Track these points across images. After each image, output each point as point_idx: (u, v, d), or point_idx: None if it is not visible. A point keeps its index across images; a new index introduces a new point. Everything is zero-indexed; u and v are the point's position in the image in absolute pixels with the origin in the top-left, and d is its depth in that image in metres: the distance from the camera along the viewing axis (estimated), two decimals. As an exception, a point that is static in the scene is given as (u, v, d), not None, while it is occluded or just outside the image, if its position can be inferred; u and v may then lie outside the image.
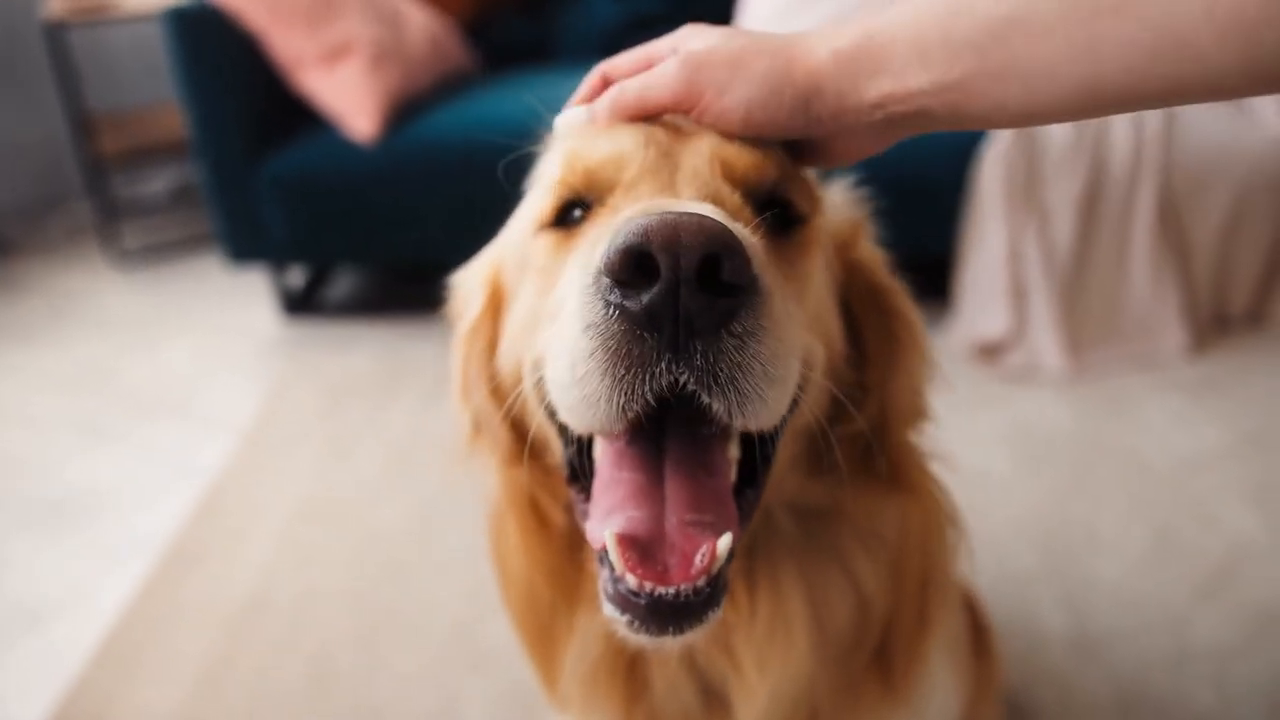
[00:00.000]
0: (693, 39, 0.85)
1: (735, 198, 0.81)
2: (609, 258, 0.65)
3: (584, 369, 0.67)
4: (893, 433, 0.95)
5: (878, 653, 0.98)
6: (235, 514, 2.38)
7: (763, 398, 0.67)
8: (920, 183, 2.85)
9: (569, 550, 0.98)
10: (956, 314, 2.98)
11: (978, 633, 1.37)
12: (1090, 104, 0.70)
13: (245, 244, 3.21)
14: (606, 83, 0.91)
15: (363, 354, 3.14)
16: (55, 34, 3.76)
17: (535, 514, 0.99)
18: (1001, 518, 2.20)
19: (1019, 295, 2.86)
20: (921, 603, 0.98)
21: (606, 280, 0.66)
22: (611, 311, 0.66)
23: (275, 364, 3.15)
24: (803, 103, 0.79)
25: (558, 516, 0.98)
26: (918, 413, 0.98)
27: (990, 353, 2.87)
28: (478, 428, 1.03)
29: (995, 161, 2.81)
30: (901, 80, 0.75)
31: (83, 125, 3.88)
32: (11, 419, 2.93)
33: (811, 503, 0.95)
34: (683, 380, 0.66)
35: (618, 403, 0.67)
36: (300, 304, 3.52)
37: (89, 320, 3.57)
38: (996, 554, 2.09)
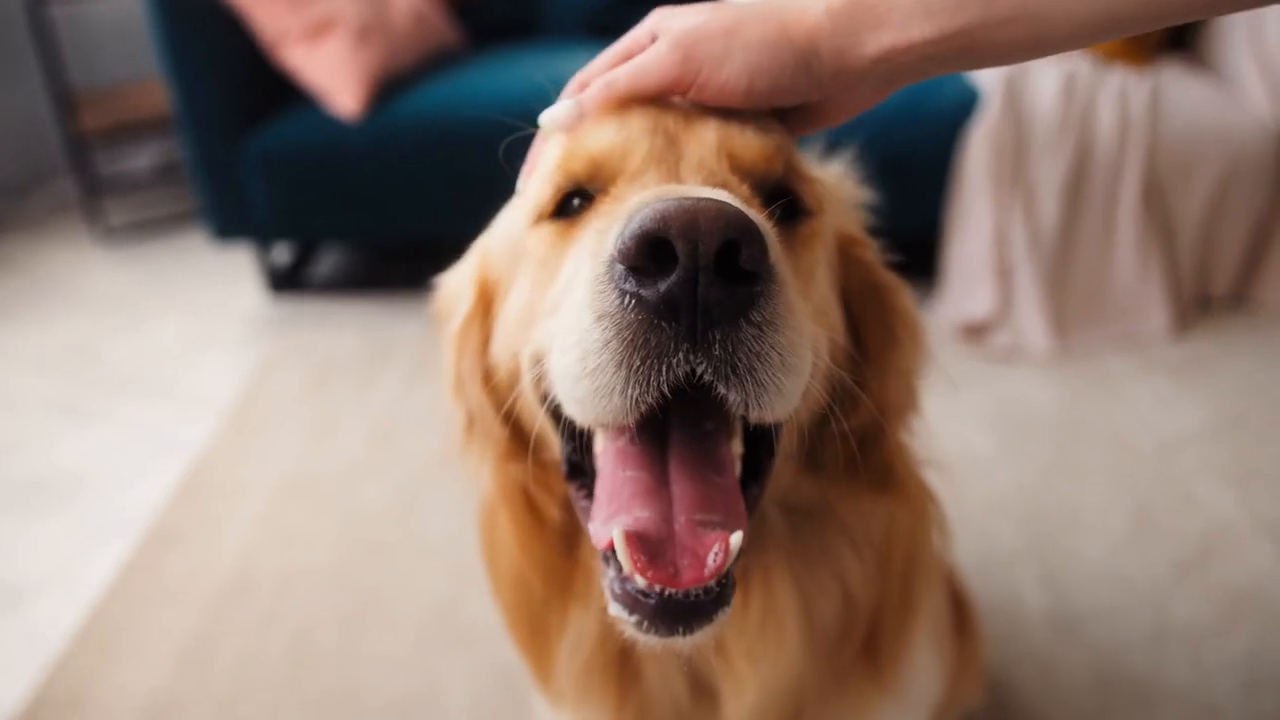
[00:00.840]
0: (672, 19, 0.82)
1: (744, 189, 0.79)
2: (624, 244, 0.62)
3: (596, 360, 0.65)
4: (886, 430, 0.94)
5: (864, 644, 0.98)
6: (218, 493, 2.37)
7: (780, 388, 0.66)
8: (906, 161, 2.85)
9: (563, 545, 0.96)
10: (942, 294, 2.98)
11: (959, 611, 1.38)
12: (1103, 33, 0.70)
13: (230, 221, 3.19)
14: (585, 88, 0.87)
15: (348, 332, 3.14)
16: (37, 10, 3.72)
17: (530, 509, 0.97)
18: (984, 497, 2.21)
19: (1004, 275, 2.86)
20: (906, 595, 0.98)
21: (621, 268, 0.63)
22: (627, 300, 0.63)
23: (260, 342, 3.14)
24: (804, 65, 0.77)
25: (553, 511, 0.96)
26: (910, 407, 0.97)
27: (975, 332, 2.87)
28: (471, 424, 1.01)
29: (981, 142, 2.81)
30: (905, 33, 0.74)
31: (65, 102, 3.84)
32: (-6, 397, 2.92)
33: (802, 500, 0.94)
34: (700, 371, 0.64)
35: (631, 395, 0.65)
36: (285, 281, 3.50)
37: (73, 298, 3.54)
38: (979, 533, 2.10)
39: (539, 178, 0.87)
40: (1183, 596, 1.92)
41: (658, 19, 0.83)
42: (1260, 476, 2.26)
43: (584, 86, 0.87)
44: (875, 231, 1.00)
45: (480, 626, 1.90)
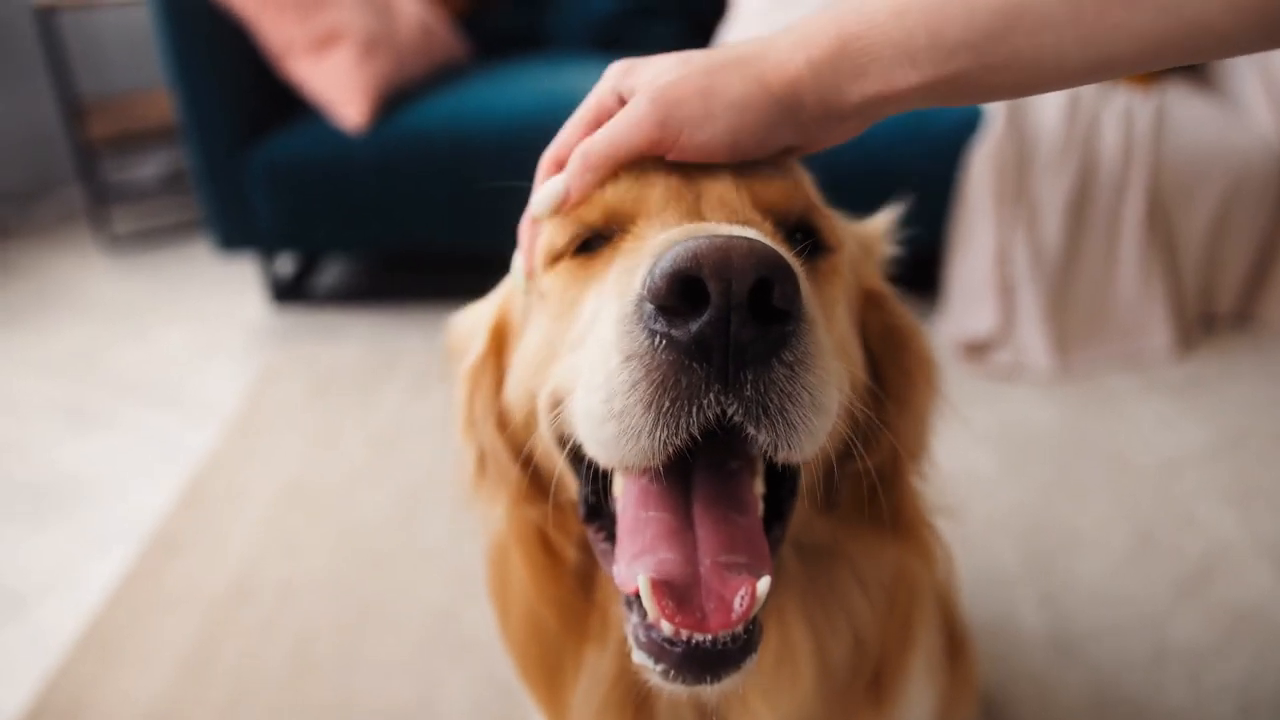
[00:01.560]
0: (638, 75, 0.79)
1: (768, 225, 0.78)
2: (654, 283, 0.61)
3: (624, 402, 0.63)
4: (900, 472, 0.93)
5: (869, 678, 0.98)
6: (220, 501, 2.37)
7: (810, 428, 0.64)
8: (909, 178, 2.85)
9: (579, 586, 0.95)
10: (943, 312, 2.98)
11: (954, 635, 1.37)
12: (1094, 79, 0.69)
13: (234, 231, 3.20)
14: (560, 164, 0.83)
15: (351, 343, 3.14)
16: (46, 19, 3.74)
17: (545, 550, 0.95)
18: (985, 515, 2.21)
19: (1006, 294, 2.86)
20: (906, 629, 0.98)
21: (650, 307, 0.62)
22: (657, 341, 0.62)
23: (263, 352, 3.14)
24: (789, 116, 0.76)
25: (569, 552, 0.95)
26: (922, 450, 0.97)
27: (977, 351, 2.87)
28: (482, 463, 0.99)
29: (985, 159, 2.81)
30: (889, 81, 0.73)
31: (73, 110, 3.87)
32: (-2, 404, 2.93)
33: (815, 540, 0.93)
34: (731, 412, 0.62)
35: (660, 437, 0.63)
36: (289, 292, 3.52)
37: (78, 305, 3.56)
38: (978, 552, 2.09)
39: (552, 223, 0.84)
40: (1182, 617, 1.92)
41: (619, 75, 0.81)
42: (1262, 497, 2.25)
43: (559, 163, 0.84)
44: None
45: (480, 636, 1.91)
